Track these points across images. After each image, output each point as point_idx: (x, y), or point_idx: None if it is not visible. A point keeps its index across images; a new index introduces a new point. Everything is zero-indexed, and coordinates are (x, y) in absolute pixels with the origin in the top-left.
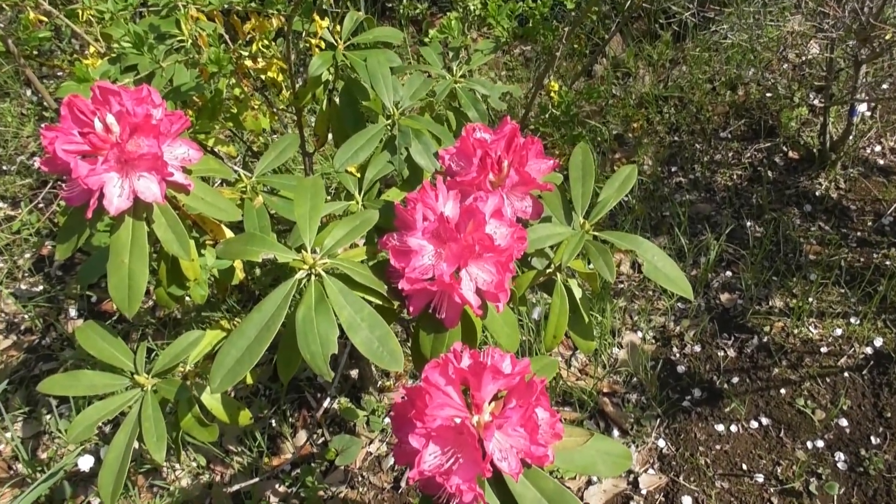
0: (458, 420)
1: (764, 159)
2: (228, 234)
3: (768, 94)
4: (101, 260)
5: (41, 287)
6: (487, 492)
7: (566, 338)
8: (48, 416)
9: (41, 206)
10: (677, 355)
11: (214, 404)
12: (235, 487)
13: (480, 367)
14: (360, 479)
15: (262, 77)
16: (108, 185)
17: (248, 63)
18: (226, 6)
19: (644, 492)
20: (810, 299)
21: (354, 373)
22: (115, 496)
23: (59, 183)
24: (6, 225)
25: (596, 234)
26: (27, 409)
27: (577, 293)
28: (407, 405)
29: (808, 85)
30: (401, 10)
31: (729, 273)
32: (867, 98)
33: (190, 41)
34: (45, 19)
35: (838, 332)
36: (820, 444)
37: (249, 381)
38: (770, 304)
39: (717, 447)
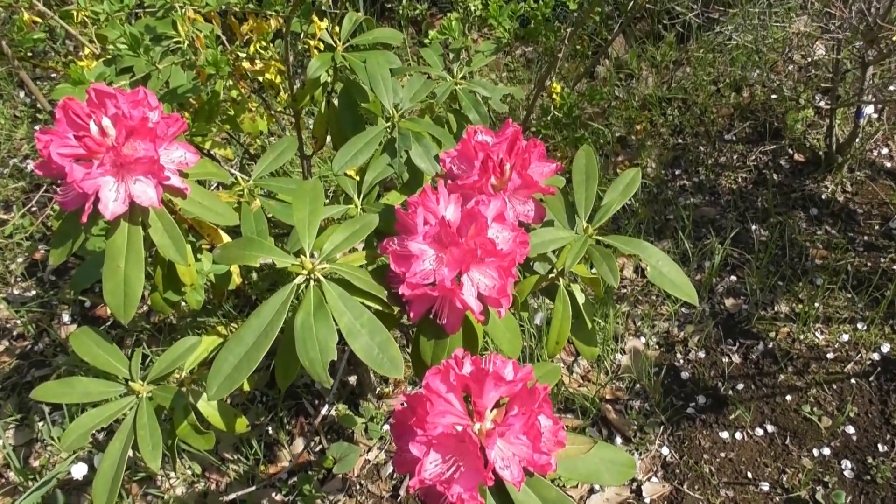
0: (459, 428)
1: (769, 162)
2: (225, 238)
3: (773, 96)
4: (96, 265)
5: (34, 292)
6: (489, 501)
7: (568, 343)
8: (41, 424)
9: (34, 209)
10: (681, 361)
11: (211, 411)
12: (231, 496)
13: (482, 374)
14: (358, 487)
15: (260, 79)
16: (104, 189)
17: (246, 65)
18: (223, 7)
19: (647, 500)
20: (816, 304)
21: (353, 379)
22: None
23: (53, 186)
24: None
25: (599, 238)
26: (19, 417)
27: (581, 298)
28: (407, 412)
29: (814, 86)
30: (400, 11)
31: (734, 278)
32: (874, 100)
33: (186, 43)
34: (39, 20)
35: (845, 337)
36: (826, 451)
37: (247, 388)
38: (776, 309)
39: (722, 455)
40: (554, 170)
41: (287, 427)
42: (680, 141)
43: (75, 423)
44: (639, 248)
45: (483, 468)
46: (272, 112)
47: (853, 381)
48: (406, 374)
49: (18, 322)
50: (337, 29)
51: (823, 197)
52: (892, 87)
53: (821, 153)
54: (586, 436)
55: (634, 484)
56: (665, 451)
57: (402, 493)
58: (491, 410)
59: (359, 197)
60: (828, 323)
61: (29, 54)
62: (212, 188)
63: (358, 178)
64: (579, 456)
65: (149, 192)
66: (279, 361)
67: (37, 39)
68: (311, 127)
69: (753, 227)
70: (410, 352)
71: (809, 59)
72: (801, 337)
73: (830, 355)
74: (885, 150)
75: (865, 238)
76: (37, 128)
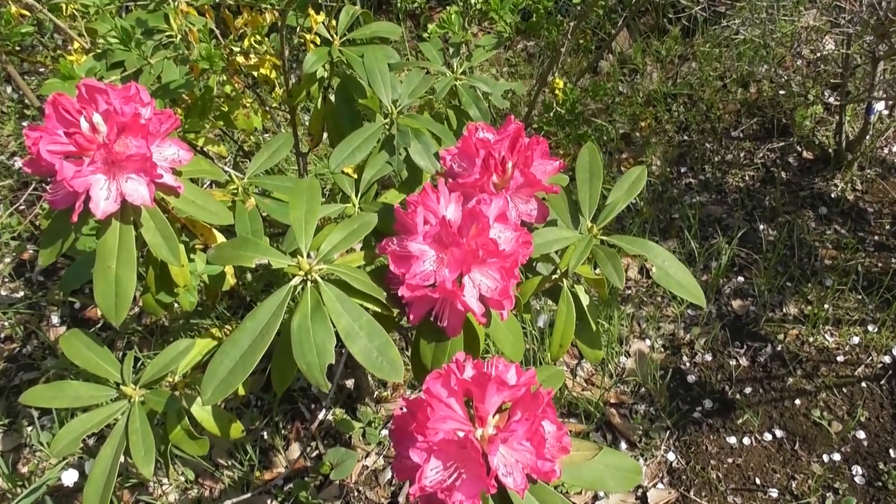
0: (461, 433)
1: (777, 159)
2: (219, 238)
3: (782, 92)
4: (86, 265)
5: (22, 293)
6: None
7: (571, 346)
8: (29, 429)
9: (22, 208)
10: (687, 364)
11: (205, 416)
12: (226, 503)
13: (484, 378)
14: (355, 494)
15: (255, 74)
16: (95, 187)
17: (240, 59)
18: (216, 0)
19: None
20: (826, 306)
21: (350, 383)
22: None
23: (42, 184)
24: None
25: (604, 238)
26: (7, 422)
27: (585, 300)
28: (407, 418)
29: (824, 82)
30: (398, 4)
31: (741, 278)
32: (885, 96)
33: (179, 36)
34: (27, 13)
35: (855, 340)
36: (836, 457)
37: (242, 392)
38: (784, 310)
39: (730, 460)
40: (557, 168)
41: (283, 432)
42: (685, 138)
43: (65, 429)
44: (644, 249)
45: (485, 475)
46: (267, 108)
47: (864, 384)
48: (405, 377)
49: (6, 324)
50: (334, 23)
51: (833, 195)
52: None
53: (830, 150)
54: (590, 441)
55: (640, 490)
56: (671, 456)
57: (401, 500)
58: (493, 416)
59: (356, 195)
60: (838, 325)
61: (17, 48)
62: (205, 186)
63: (355, 176)
64: (584, 462)
65: (141, 190)
66: (275, 365)
67: (25, 33)
68: (307, 123)
69: (761, 227)
70: (410, 355)
71: (818, 54)
72: (811, 339)
73: (840, 358)
74: (895, 148)
75: (876, 238)
76: (25, 124)
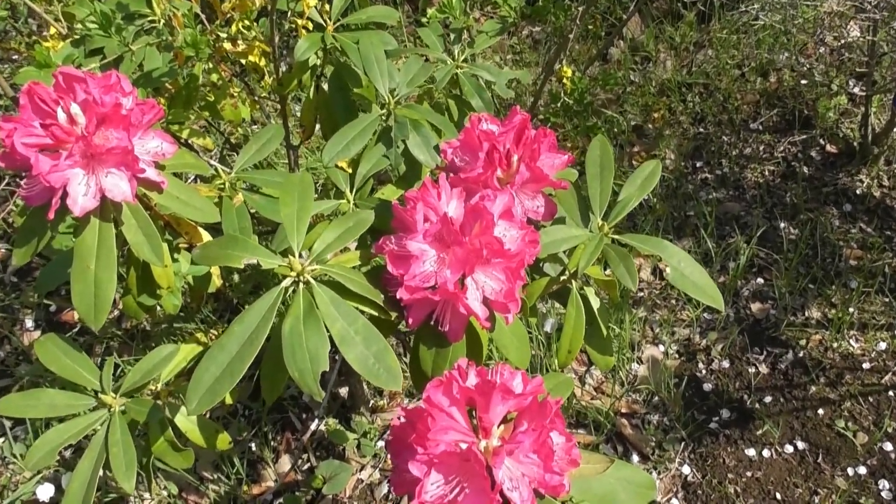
0: (463, 445)
1: (799, 153)
2: (205, 236)
3: (803, 82)
4: (63, 265)
5: None
6: None
7: (580, 352)
8: (1, 440)
9: None
10: (703, 372)
11: (190, 427)
12: None
13: (489, 386)
14: None
15: (243, 61)
16: (73, 182)
17: (227, 46)
18: None
19: None
20: (851, 309)
21: (344, 391)
22: None
23: (16, 179)
24: None
25: (615, 237)
26: None
27: (595, 303)
28: (406, 428)
29: (848, 71)
30: None
31: (760, 280)
32: None
33: (163, 21)
34: None
35: (882, 346)
36: (862, 470)
37: (229, 401)
38: (806, 314)
39: (748, 474)
40: (565, 162)
41: (272, 443)
42: (701, 130)
43: (41, 440)
44: (659, 248)
45: (490, 490)
46: (256, 98)
47: (891, 393)
48: (403, 385)
49: None
50: (327, 7)
51: (858, 192)
52: None
53: (855, 144)
54: (601, 454)
55: None
56: (686, 469)
57: None
58: (498, 426)
59: (351, 191)
60: (863, 330)
61: None
62: (189, 181)
63: (350, 170)
64: (594, 476)
65: (122, 185)
66: (265, 372)
67: None
68: (299, 114)
69: (782, 225)
70: (409, 362)
71: (843, 41)
72: (835, 345)
73: (866, 365)
74: None
75: None
76: None
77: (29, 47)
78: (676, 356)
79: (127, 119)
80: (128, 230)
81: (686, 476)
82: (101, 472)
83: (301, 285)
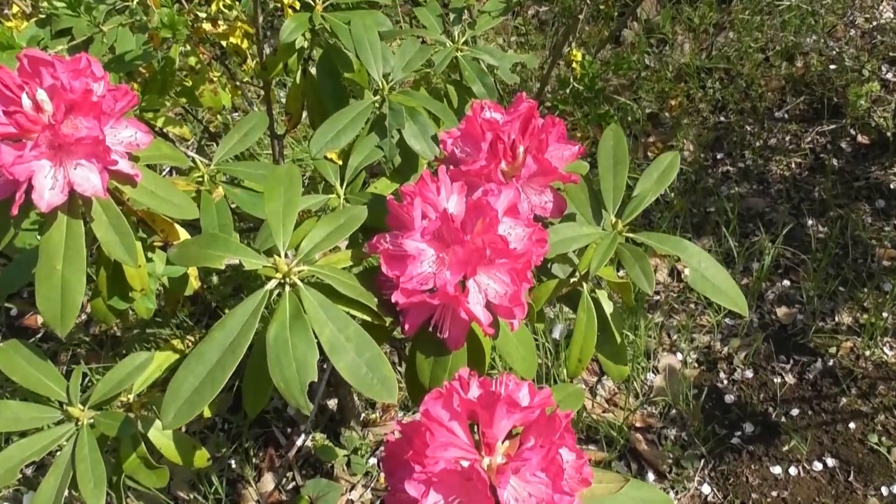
0: (465, 463)
1: (828, 144)
2: (182, 234)
3: (832, 67)
4: (26, 265)
5: None
6: None
7: (592, 361)
8: None
9: None
10: (725, 382)
11: (164, 442)
12: None
13: (492, 399)
14: None
15: (223, 43)
16: (39, 175)
17: (207, 26)
18: None
19: None
20: (885, 314)
21: (333, 403)
22: None
23: None
24: None
25: (630, 235)
26: None
27: (608, 307)
28: (402, 444)
29: (881, 55)
30: None
31: (787, 282)
32: None
33: (136, 0)
34: None
35: None
36: None
37: (207, 414)
38: (836, 320)
39: (774, 494)
40: (576, 153)
41: (254, 460)
42: (722, 119)
43: (2, 456)
44: (677, 248)
45: None
46: (237, 83)
47: None
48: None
49: None
50: None
51: (892, 186)
52: None
53: (888, 134)
54: (614, 471)
55: None
56: (706, 489)
57: None
58: (503, 442)
59: (341, 185)
60: None
61: None
62: (164, 173)
63: (340, 162)
64: (607, 496)
65: (92, 178)
66: (248, 382)
67: None
68: (284, 101)
69: (810, 223)
70: (404, 371)
71: (874, 23)
72: (867, 353)
73: None
74: None
75: None
76: None
77: None
78: (696, 365)
79: (98, 106)
80: (98, 227)
81: (706, 496)
82: (66, 492)
83: (287, 288)
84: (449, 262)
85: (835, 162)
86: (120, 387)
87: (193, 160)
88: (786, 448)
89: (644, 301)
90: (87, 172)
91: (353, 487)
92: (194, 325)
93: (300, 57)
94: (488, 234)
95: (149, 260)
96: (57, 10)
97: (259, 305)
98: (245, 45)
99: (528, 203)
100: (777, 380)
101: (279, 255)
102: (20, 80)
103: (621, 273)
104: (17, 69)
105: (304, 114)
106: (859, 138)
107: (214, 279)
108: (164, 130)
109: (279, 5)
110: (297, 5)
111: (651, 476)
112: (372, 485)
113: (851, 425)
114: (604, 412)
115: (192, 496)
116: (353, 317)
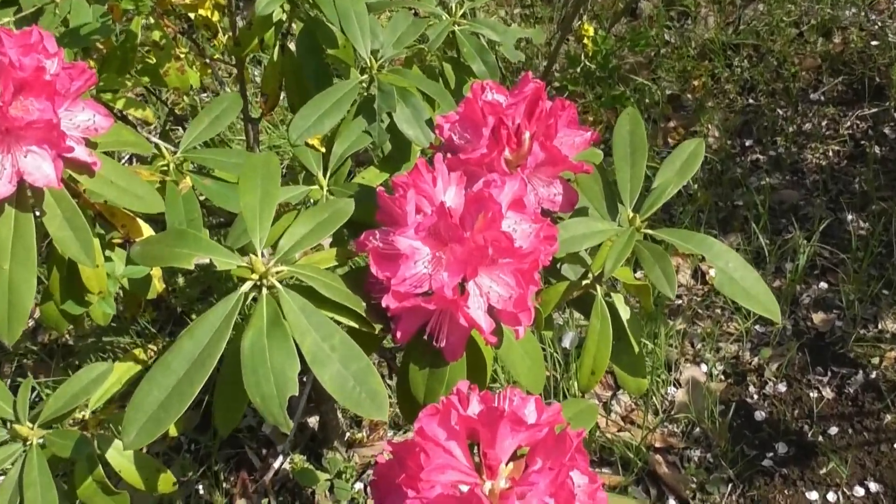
0: (464, 487)
1: (869, 130)
2: (146, 230)
3: (874, 43)
4: None
5: None
6: None
7: (606, 373)
8: None
9: None
10: (755, 397)
11: (124, 464)
12: None
13: (495, 415)
14: None
15: (191, 16)
16: None
17: None
18: None
19: None
20: None
21: (314, 420)
22: None
23: None
24: None
25: (649, 232)
26: None
27: (624, 313)
28: (393, 466)
29: None
30: None
31: (824, 285)
32: None
33: None
34: None
35: None
36: None
37: (174, 432)
38: (879, 326)
39: None
40: (588, 140)
41: (225, 485)
42: (751, 101)
43: None
44: (702, 246)
45: None
46: (207, 60)
47: None
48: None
49: None
50: None
51: None
52: None
53: None
54: (631, 497)
55: None
56: None
57: None
58: (506, 464)
59: (325, 175)
60: None
61: None
62: (124, 161)
63: (323, 149)
64: None
65: (44, 167)
66: (219, 397)
67: None
68: (260, 81)
69: (849, 217)
70: (395, 385)
71: None
72: None
73: None
74: None
75: None
76: None
77: None
78: (722, 378)
79: (51, 86)
80: (51, 222)
81: None
82: None
83: (264, 290)
84: (446, 261)
85: (877, 150)
86: (74, 402)
87: (158, 147)
88: (823, 471)
89: (665, 306)
90: (38, 160)
91: None
92: (157, 332)
93: (278, 31)
94: (490, 231)
95: (107, 259)
96: None
97: (232, 311)
98: (216, 17)
99: (535, 196)
100: (813, 394)
101: (255, 254)
102: None
103: (639, 274)
104: None
105: (283, 95)
106: None
107: (180, 281)
108: (125, 113)
109: None
110: None
111: (672, 502)
112: None
113: None
114: (619, 431)
115: None
116: (339, 323)
